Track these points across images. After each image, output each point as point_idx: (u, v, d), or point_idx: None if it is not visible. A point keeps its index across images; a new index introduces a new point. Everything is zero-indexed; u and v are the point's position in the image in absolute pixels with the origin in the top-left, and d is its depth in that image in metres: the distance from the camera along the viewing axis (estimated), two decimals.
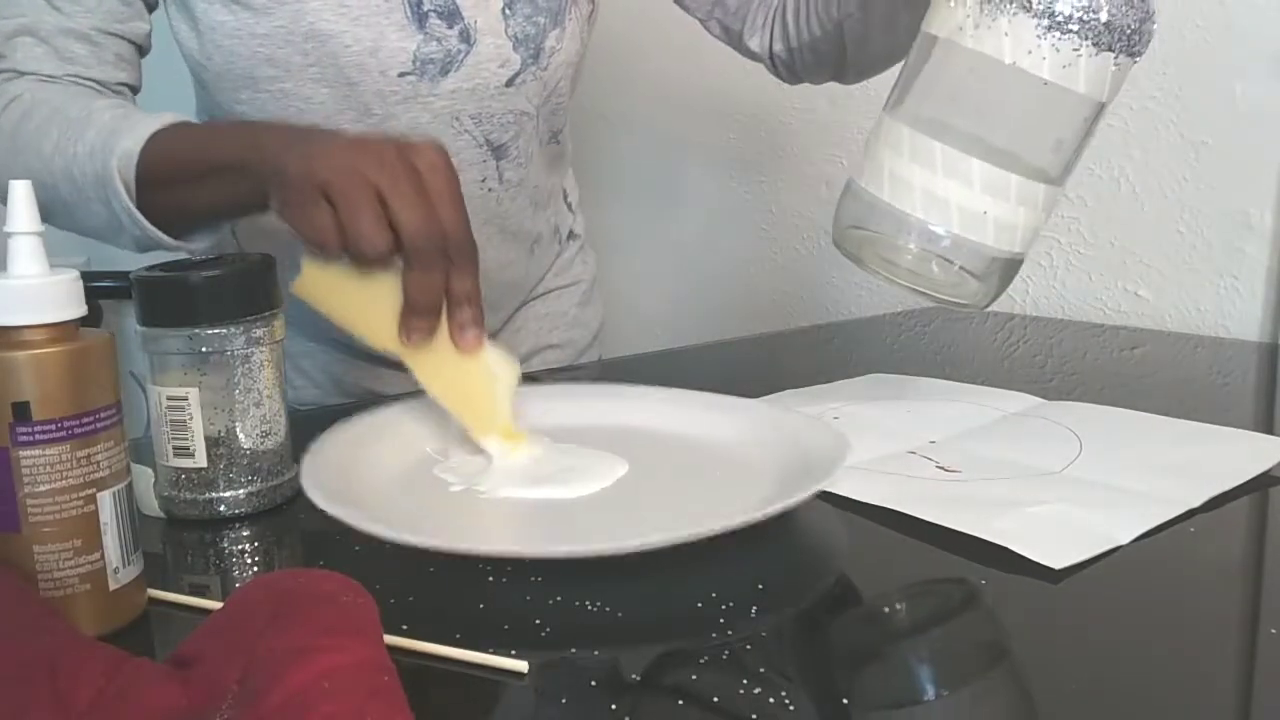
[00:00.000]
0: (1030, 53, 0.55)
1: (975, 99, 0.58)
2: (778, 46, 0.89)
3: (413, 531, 0.48)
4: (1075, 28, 0.55)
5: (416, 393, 0.63)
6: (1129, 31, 0.56)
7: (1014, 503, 0.55)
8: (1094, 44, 0.55)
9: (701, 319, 1.49)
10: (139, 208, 0.69)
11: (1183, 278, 1.04)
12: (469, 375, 0.61)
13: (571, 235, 1.04)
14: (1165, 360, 0.92)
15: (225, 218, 0.73)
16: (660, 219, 1.53)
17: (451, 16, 0.79)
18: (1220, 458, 0.61)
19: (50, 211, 0.70)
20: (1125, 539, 0.51)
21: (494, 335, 0.97)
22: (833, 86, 0.94)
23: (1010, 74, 0.56)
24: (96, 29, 0.76)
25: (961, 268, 0.60)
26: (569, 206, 1.02)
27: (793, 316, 1.40)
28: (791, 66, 0.90)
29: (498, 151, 0.85)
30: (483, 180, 0.85)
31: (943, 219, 0.59)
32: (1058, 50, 0.55)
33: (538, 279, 0.99)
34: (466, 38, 0.79)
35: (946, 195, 0.58)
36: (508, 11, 0.80)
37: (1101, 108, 0.58)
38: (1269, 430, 0.68)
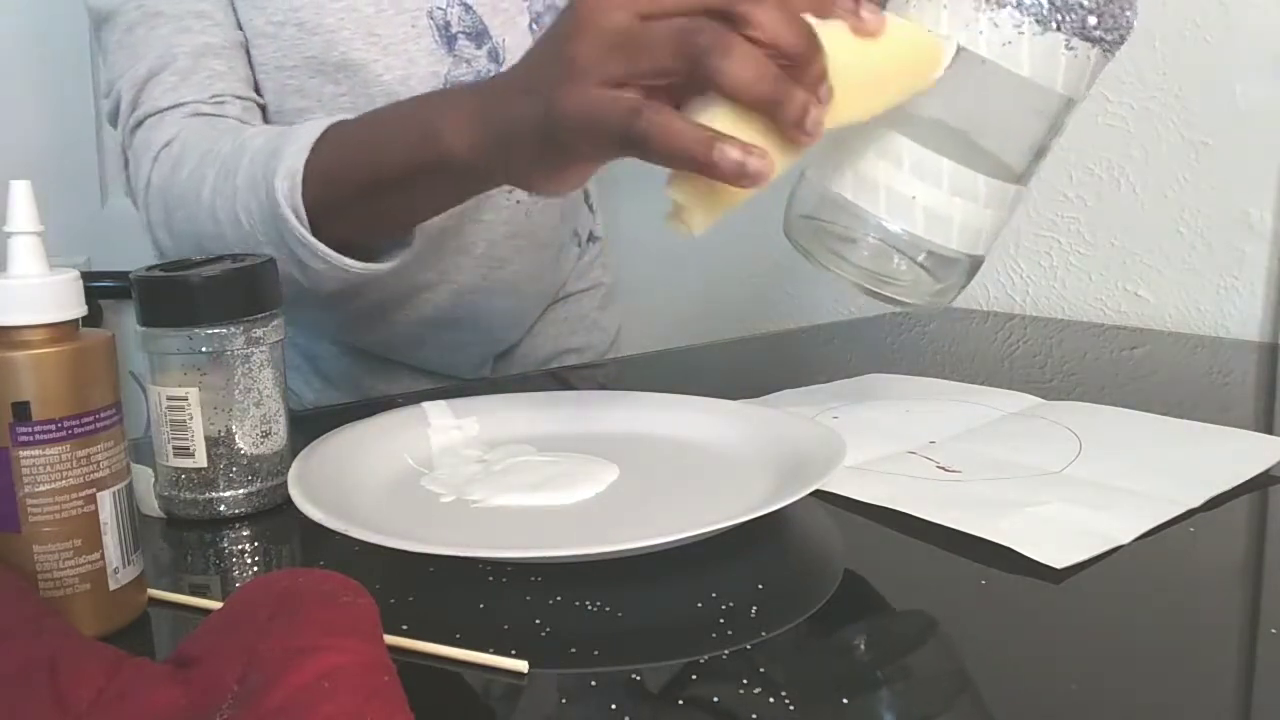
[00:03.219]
0: (967, 26, 0.52)
1: None
2: None
3: (417, 539, 0.48)
4: (1014, 1, 0.51)
5: (418, 396, 0.63)
6: (1082, 12, 0.51)
7: (1014, 503, 0.55)
8: (1037, 21, 0.51)
9: (700, 319, 1.49)
10: (314, 232, 0.62)
11: (1183, 278, 1.04)
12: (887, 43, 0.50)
13: (592, 238, 1.04)
14: (1165, 360, 0.92)
15: (423, 219, 0.67)
16: (659, 220, 1.53)
17: (480, 37, 0.78)
18: (1220, 458, 0.61)
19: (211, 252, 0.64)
20: (1125, 539, 0.51)
21: (517, 342, 0.97)
22: None
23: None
24: (228, 41, 0.75)
25: (909, 264, 0.56)
26: (590, 207, 1.02)
27: (793, 316, 1.40)
28: None
29: None
30: (510, 191, 0.84)
31: (870, 203, 0.55)
32: (996, 25, 0.51)
33: (561, 284, 0.99)
34: (495, 57, 0.79)
35: (875, 176, 0.54)
36: (535, 27, 0.80)
37: (1064, 101, 0.54)
38: (1269, 430, 0.68)
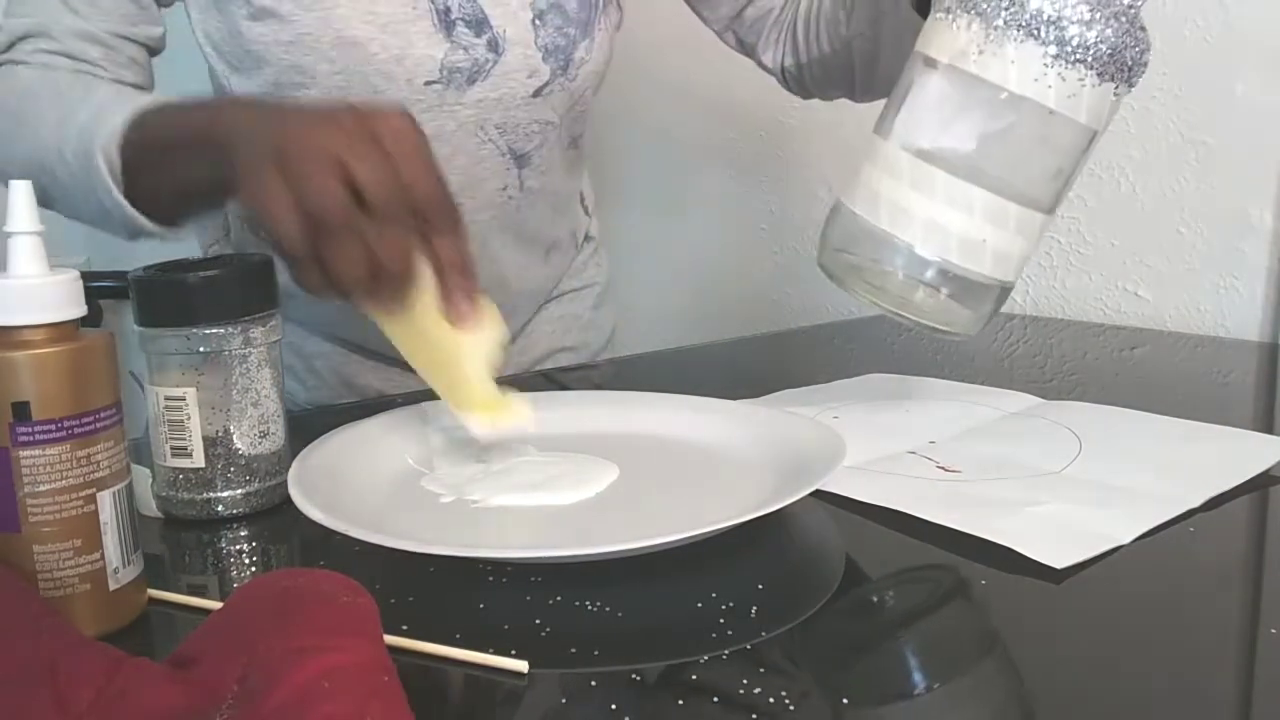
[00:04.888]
0: (1036, 81, 0.55)
1: (978, 126, 0.57)
2: (788, 61, 0.90)
3: (417, 539, 0.48)
4: (1083, 57, 0.55)
5: (418, 396, 0.63)
6: (1130, 63, 0.56)
7: (1014, 503, 0.55)
8: (1099, 74, 0.55)
9: (700, 319, 1.49)
10: (128, 191, 0.66)
11: (1183, 278, 1.04)
12: (446, 345, 0.58)
13: (587, 238, 1.04)
14: (1165, 360, 0.92)
15: (193, 202, 0.69)
16: (658, 220, 1.53)
17: (479, 25, 0.78)
18: (1220, 458, 0.61)
19: (51, 198, 0.69)
20: (1125, 539, 0.51)
21: (511, 341, 0.97)
22: None
23: (1015, 102, 0.56)
24: (111, 32, 0.75)
25: (950, 296, 0.59)
26: (585, 210, 1.02)
27: (793, 316, 1.40)
28: (801, 81, 0.91)
29: (520, 160, 0.84)
30: (504, 188, 0.85)
31: (941, 248, 0.58)
32: (1064, 79, 0.55)
33: (554, 283, 0.99)
34: (495, 47, 0.79)
35: (947, 223, 0.58)
36: (538, 22, 0.80)
37: (1095, 136, 0.58)
38: (1269, 430, 0.68)
